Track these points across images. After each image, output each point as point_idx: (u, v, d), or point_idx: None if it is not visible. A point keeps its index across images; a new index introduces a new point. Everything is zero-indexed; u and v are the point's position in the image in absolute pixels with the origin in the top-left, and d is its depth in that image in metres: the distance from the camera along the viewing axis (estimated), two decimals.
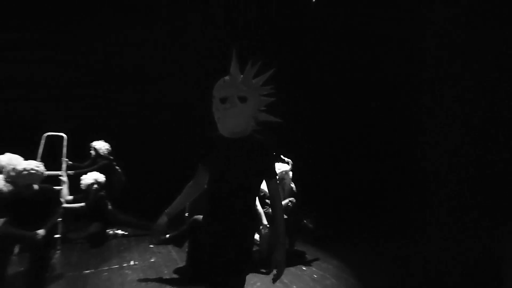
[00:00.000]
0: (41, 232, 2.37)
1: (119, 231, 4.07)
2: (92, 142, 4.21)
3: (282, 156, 3.49)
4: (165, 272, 2.92)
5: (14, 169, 2.29)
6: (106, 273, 2.85)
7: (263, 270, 2.95)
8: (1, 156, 3.36)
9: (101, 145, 4.15)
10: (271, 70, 1.41)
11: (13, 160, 3.35)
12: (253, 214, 1.47)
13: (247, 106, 1.32)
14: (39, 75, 5.04)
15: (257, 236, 3.49)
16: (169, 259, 3.29)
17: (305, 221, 3.37)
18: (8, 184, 2.72)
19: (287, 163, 3.48)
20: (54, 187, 2.90)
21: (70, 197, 3.70)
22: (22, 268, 2.67)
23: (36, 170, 2.36)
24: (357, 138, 5.63)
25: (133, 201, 4.35)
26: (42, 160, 3.66)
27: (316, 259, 3.35)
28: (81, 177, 3.77)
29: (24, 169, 2.30)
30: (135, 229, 4.09)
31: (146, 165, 5.36)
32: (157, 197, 3.31)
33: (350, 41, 5.49)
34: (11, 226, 2.32)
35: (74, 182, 3.80)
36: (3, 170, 2.64)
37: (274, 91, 1.45)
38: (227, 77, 1.36)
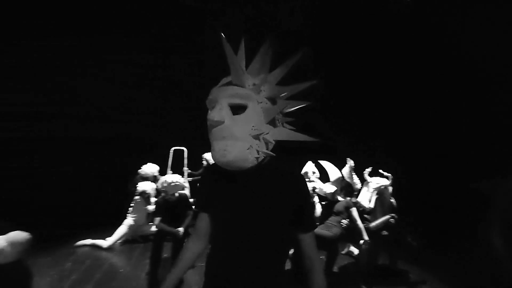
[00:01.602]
0: (181, 229, 3.09)
1: None
2: (203, 153, 5.05)
3: (381, 171, 3.44)
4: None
5: (166, 181, 3.06)
6: None
7: (363, 287, 3.01)
8: (144, 165, 4.47)
9: (210, 156, 4.94)
10: (297, 55, 0.90)
11: (153, 169, 4.41)
12: (283, 280, 0.97)
13: (247, 119, 0.87)
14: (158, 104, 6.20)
15: (356, 251, 3.56)
16: None
17: (409, 238, 3.24)
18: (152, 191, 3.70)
19: (387, 177, 3.41)
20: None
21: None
22: (165, 255, 3.47)
23: (179, 183, 3.08)
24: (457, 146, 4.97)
25: None
26: (172, 169, 4.65)
27: (422, 282, 3.18)
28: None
29: (172, 181, 3.05)
30: None
31: None
32: None
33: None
34: (164, 224, 3.09)
35: (192, 187, 4.67)
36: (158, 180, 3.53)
37: (304, 87, 0.95)
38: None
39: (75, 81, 5.40)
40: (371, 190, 3.27)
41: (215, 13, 5.49)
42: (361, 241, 3.17)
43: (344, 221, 3.12)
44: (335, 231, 3.06)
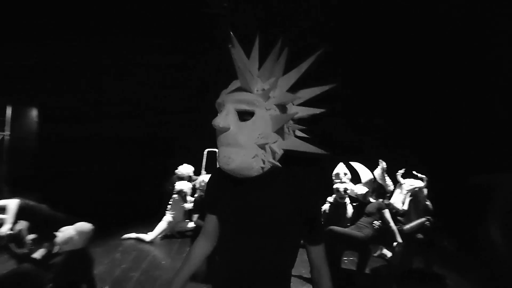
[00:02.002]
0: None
1: None
2: None
3: (414, 172, 3.38)
4: (303, 271, 3.40)
5: (203, 181, 3.29)
6: None
7: None
8: (181, 166, 4.78)
9: None
10: (316, 54, 0.84)
11: (189, 169, 4.71)
12: (288, 281, 0.96)
13: (253, 127, 0.82)
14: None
15: (389, 253, 3.53)
16: (302, 260, 3.75)
17: (445, 242, 3.16)
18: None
19: (421, 179, 3.34)
20: None
21: None
22: None
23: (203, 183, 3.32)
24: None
25: None
26: (206, 170, 4.93)
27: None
28: None
29: (205, 182, 3.28)
30: None
31: None
32: None
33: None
34: (201, 220, 3.33)
35: None
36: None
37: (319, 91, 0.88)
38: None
39: (116, 83, 5.94)
40: (405, 192, 3.23)
41: (230, 13, 5.65)
42: (394, 243, 3.15)
43: (376, 223, 3.12)
44: (367, 232, 3.07)
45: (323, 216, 3.63)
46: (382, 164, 3.36)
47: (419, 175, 3.33)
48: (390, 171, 3.46)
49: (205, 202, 1.07)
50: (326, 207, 3.63)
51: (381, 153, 3.82)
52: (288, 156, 0.90)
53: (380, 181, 3.38)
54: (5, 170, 6.07)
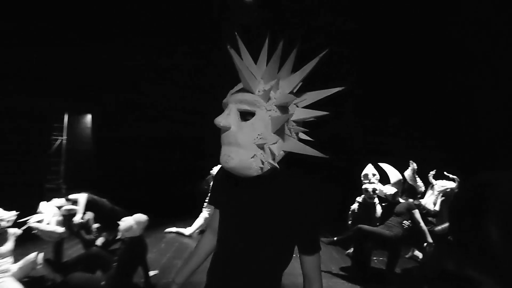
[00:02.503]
0: None
1: None
2: None
3: (446, 173, 3.38)
4: (332, 268, 3.55)
5: None
6: None
7: None
8: (215, 167, 5.13)
9: None
10: (319, 55, 0.84)
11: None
12: (278, 281, 0.96)
13: (253, 127, 0.83)
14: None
15: (421, 255, 3.55)
16: (331, 258, 3.91)
17: None
18: None
19: (453, 180, 3.33)
20: None
21: None
22: None
23: None
24: None
25: None
26: None
27: None
28: None
29: None
30: None
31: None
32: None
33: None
34: None
35: None
36: None
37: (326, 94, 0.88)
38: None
39: (153, 88, 6.53)
40: (436, 193, 3.24)
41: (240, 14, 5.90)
42: (425, 244, 3.18)
43: (406, 222, 3.17)
44: (396, 231, 3.14)
45: (352, 215, 3.75)
46: (413, 165, 3.40)
47: (451, 175, 3.32)
48: (422, 173, 3.48)
49: (210, 197, 1.09)
50: (355, 206, 3.74)
51: (411, 154, 3.84)
52: (299, 160, 0.90)
53: (411, 182, 3.42)
54: (63, 170, 6.94)
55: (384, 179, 3.63)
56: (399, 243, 3.19)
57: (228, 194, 0.97)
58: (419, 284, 3.13)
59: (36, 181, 6.04)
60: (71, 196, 3.05)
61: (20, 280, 2.63)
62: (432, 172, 3.37)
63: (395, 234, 3.14)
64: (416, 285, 3.15)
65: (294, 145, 0.87)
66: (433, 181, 3.33)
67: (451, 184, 3.21)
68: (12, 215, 2.69)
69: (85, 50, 5.81)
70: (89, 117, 7.09)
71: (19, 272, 2.68)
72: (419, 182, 3.40)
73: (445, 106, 5.41)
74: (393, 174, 3.53)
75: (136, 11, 5.98)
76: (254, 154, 0.83)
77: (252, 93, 0.84)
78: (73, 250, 3.42)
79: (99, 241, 3.33)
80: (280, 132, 0.85)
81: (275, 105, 0.84)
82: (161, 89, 6.76)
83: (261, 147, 0.83)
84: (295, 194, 0.88)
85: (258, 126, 0.83)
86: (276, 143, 0.85)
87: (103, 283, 2.59)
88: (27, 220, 2.74)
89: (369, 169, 3.63)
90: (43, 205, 2.87)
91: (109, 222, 3.34)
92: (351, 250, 3.65)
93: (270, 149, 0.84)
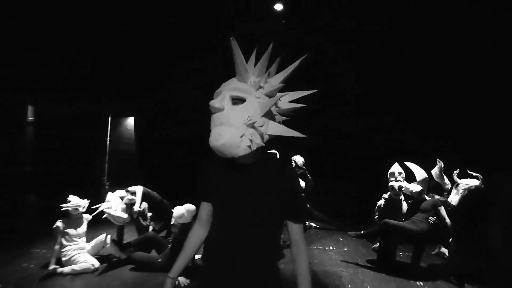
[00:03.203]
0: None
1: (313, 224, 5.40)
2: (292, 156, 5.83)
3: (468, 171, 3.49)
4: (359, 259, 3.80)
5: None
6: (317, 251, 4.10)
7: (454, 281, 3.17)
8: None
9: (298, 159, 5.68)
10: (301, 58, 1.00)
11: None
12: (277, 248, 1.10)
13: (244, 110, 0.95)
14: None
15: (447, 252, 3.69)
16: (357, 251, 4.14)
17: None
18: None
19: (477, 177, 3.44)
20: None
21: None
22: None
23: None
24: None
25: (321, 201, 5.61)
26: None
27: None
28: None
29: None
30: (324, 224, 5.29)
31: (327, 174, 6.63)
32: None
33: None
34: None
35: None
36: None
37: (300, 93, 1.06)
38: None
39: (185, 91, 7.09)
40: (461, 191, 3.38)
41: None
42: (450, 239, 3.33)
43: (432, 218, 3.34)
44: (422, 226, 3.32)
45: (378, 210, 3.96)
46: (440, 164, 3.55)
47: (474, 174, 3.43)
48: (446, 172, 3.62)
49: (199, 191, 1.14)
50: (381, 202, 3.95)
51: (439, 152, 3.98)
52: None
53: (437, 180, 3.57)
54: (107, 168, 7.71)
55: (410, 177, 3.81)
56: (425, 238, 3.36)
57: (220, 184, 1.05)
58: (446, 278, 3.27)
59: (89, 178, 6.84)
60: (130, 188, 3.58)
61: (93, 256, 3.18)
62: (456, 171, 3.50)
63: (421, 229, 3.31)
64: (443, 279, 3.29)
65: (278, 128, 0.99)
66: (458, 179, 3.46)
67: (475, 182, 3.33)
68: (86, 202, 3.26)
69: (130, 63, 6.52)
70: (131, 120, 7.82)
71: (92, 249, 3.24)
72: (446, 180, 3.54)
73: (466, 107, 5.43)
74: (419, 173, 3.71)
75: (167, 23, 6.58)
76: (243, 134, 0.93)
77: (244, 83, 0.98)
78: (128, 235, 3.96)
79: (151, 227, 3.84)
80: (267, 116, 0.97)
81: (264, 94, 0.98)
82: (193, 92, 7.31)
83: (250, 127, 0.94)
84: (280, 174, 1.03)
85: (248, 109, 0.94)
86: (263, 125, 0.96)
87: (159, 260, 3.07)
88: (98, 207, 3.30)
89: (396, 168, 3.83)
90: (110, 195, 3.41)
91: (157, 212, 3.85)
92: (377, 244, 3.86)
93: (258, 130, 0.95)
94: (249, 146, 0.95)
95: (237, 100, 0.95)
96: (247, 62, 1.01)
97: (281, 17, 6.23)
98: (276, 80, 1.01)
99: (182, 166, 6.96)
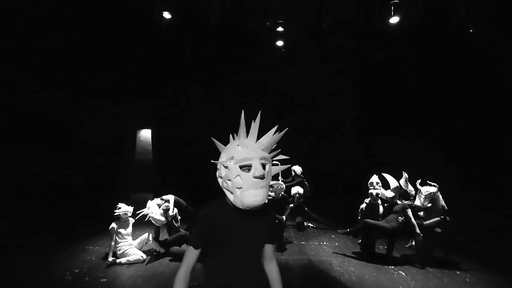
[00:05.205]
0: (284, 217, 4.86)
1: (310, 224, 6.35)
2: (292, 166, 6.78)
3: (428, 181, 4.44)
4: (346, 251, 4.74)
5: (279, 183, 4.90)
6: (313, 245, 5.05)
7: (418, 266, 4.13)
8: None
9: (297, 169, 6.64)
10: (282, 132, 1.34)
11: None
12: (263, 271, 1.41)
13: (269, 174, 1.28)
14: None
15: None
16: (346, 245, 5.09)
17: (458, 237, 4.19)
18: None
19: (434, 186, 4.38)
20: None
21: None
22: None
23: (283, 187, 4.89)
24: None
25: (317, 205, 6.57)
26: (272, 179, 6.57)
27: (468, 269, 4.08)
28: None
29: (279, 185, 4.88)
30: (319, 224, 6.24)
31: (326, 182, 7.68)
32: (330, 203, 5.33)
33: None
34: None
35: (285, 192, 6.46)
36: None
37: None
38: (250, 141, 1.31)
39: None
40: (423, 196, 4.34)
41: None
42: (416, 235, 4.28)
43: (401, 218, 4.29)
44: (393, 224, 4.27)
45: (360, 212, 4.93)
46: (405, 175, 4.53)
47: (432, 183, 4.39)
48: (411, 180, 4.60)
49: (193, 239, 1.29)
50: (363, 206, 4.92)
51: (407, 165, 4.97)
52: None
53: (404, 188, 4.54)
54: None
55: (385, 185, 4.78)
56: (396, 233, 4.32)
57: (223, 229, 1.26)
58: (410, 264, 4.21)
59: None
60: (164, 196, 4.53)
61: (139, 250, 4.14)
62: (418, 181, 4.46)
63: (393, 226, 4.27)
64: (410, 263, 4.23)
65: (273, 169, 1.36)
66: (420, 187, 4.42)
67: (433, 189, 4.28)
68: (131, 209, 4.21)
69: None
70: (150, 133, 8.74)
71: (138, 245, 4.19)
72: (410, 187, 4.51)
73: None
74: (392, 182, 4.67)
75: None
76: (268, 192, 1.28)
77: (268, 153, 1.30)
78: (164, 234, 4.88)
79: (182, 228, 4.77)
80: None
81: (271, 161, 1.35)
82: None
83: (271, 186, 1.31)
84: (267, 210, 1.35)
85: (270, 173, 1.28)
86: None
87: None
88: (141, 212, 4.25)
89: (374, 178, 4.80)
90: (149, 203, 4.36)
91: (184, 215, 4.79)
92: (361, 240, 4.82)
93: (271, 186, 1.42)
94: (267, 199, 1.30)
95: (264, 166, 1.24)
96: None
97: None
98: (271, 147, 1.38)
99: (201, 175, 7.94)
